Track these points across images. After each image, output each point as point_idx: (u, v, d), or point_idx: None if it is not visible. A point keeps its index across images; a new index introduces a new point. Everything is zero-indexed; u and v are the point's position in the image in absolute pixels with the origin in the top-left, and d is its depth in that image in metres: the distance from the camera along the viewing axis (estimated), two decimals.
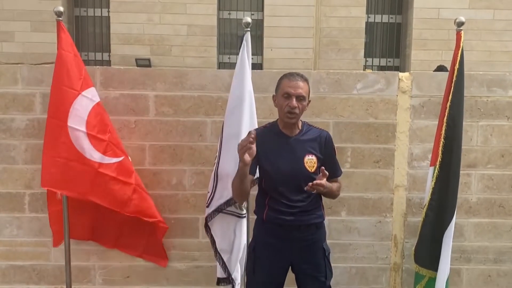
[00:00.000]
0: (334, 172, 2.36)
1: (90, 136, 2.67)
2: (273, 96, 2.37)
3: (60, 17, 2.71)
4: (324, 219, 2.39)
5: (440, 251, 2.71)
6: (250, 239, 2.62)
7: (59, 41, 2.69)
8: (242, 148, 2.03)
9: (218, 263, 2.80)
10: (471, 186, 3.15)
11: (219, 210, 2.75)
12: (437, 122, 2.87)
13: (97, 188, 2.70)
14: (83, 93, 2.69)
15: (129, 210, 2.80)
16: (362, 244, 3.18)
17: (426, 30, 8.88)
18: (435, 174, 2.73)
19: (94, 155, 2.68)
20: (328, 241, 2.45)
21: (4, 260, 3.09)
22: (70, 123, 2.63)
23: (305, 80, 2.27)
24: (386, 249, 3.19)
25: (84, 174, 2.67)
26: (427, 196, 2.79)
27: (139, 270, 3.13)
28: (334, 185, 2.34)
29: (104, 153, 2.72)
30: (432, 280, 2.77)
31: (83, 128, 2.66)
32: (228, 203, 2.73)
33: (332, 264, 2.42)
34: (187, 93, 3.06)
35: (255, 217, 2.43)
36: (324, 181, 2.13)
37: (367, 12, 9.26)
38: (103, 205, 2.75)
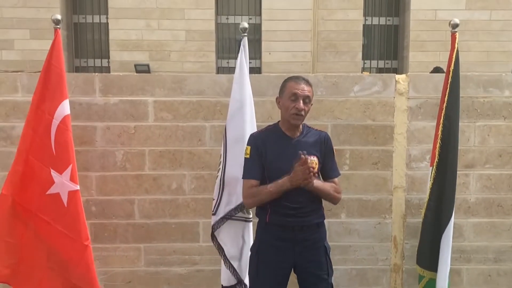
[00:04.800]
0: (330, 172, 2.39)
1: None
2: (276, 98, 2.40)
3: (58, 25, 2.73)
4: (324, 218, 2.42)
5: (439, 251, 2.72)
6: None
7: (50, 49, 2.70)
8: (307, 174, 2.14)
9: (228, 271, 2.75)
10: (469, 186, 3.17)
11: (228, 216, 2.73)
12: (434, 123, 2.90)
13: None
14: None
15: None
16: (362, 245, 3.20)
17: (423, 31, 8.92)
18: (432, 175, 2.76)
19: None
20: (328, 243, 2.46)
21: None
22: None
23: (310, 84, 2.33)
24: (386, 250, 3.20)
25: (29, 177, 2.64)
26: (427, 197, 2.81)
27: (140, 275, 3.15)
28: (327, 184, 2.35)
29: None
30: (433, 281, 2.79)
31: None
32: (237, 208, 2.71)
33: (332, 266, 2.43)
34: (186, 98, 3.09)
35: (257, 220, 2.44)
36: (310, 161, 2.16)
37: (364, 15, 9.31)
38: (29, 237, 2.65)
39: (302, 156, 2.12)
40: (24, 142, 2.66)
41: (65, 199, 2.62)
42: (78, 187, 2.64)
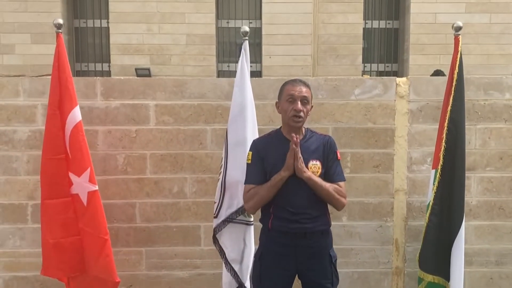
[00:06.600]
0: (334, 177, 2.34)
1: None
2: (276, 103, 2.40)
3: (60, 29, 2.75)
4: (330, 226, 2.39)
5: (446, 256, 2.69)
6: (256, 247, 2.62)
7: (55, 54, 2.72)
8: (294, 155, 2.17)
9: (229, 274, 2.75)
10: (470, 189, 3.16)
11: (229, 220, 2.73)
12: (435, 126, 2.90)
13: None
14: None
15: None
16: (364, 248, 3.19)
17: (424, 35, 8.93)
18: (437, 179, 2.72)
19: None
20: (334, 251, 2.43)
21: (7, 271, 3.10)
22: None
23: (307, 85, 2.34)
24: (387, 254, 3.20)
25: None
26: (429, 199, 2.79)
27: (141, 278, 3.15)
28: (326, 183, 2.29)
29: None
30: (432, 284, 2.76)
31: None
32: (238, 212, 2.72)
33: (338, 275, 2.41)
34: (187, 101, 3.09)
35: (260, 224, 2.43)
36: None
37: (365, 18, 9.32)
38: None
39: (294, 138, 2.16)
40: (45, 146, 2.76)
41: (84, 199, 2.75)
42: (97, 187, 2.77)
